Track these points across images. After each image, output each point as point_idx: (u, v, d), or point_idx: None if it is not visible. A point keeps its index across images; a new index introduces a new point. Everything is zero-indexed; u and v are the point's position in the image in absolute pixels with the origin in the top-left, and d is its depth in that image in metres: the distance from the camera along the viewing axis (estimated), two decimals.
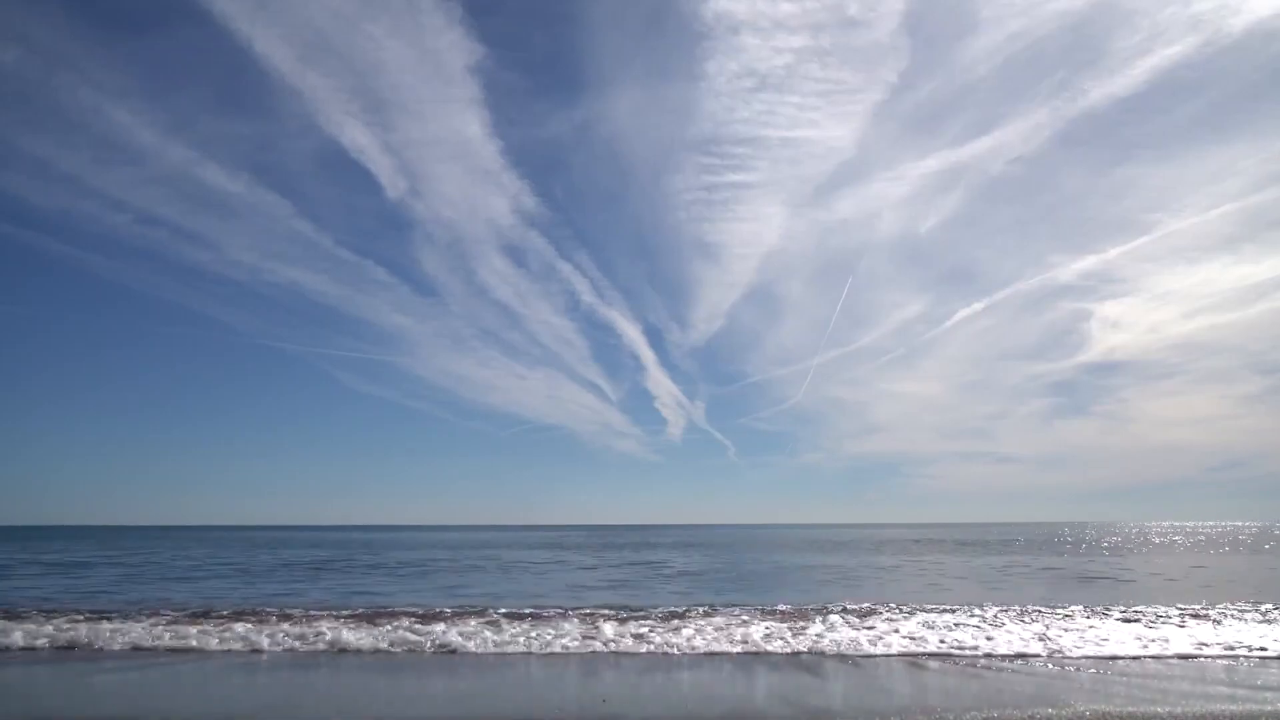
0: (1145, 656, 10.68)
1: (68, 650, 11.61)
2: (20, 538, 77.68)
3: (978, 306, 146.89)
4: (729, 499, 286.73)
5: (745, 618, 13.74)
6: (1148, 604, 15.70)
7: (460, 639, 11.92)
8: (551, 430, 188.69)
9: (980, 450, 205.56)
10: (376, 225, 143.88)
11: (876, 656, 10.93)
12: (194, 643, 11.86)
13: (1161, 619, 13.66)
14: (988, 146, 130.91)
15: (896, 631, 12.39)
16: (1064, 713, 7.21)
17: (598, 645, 11.63)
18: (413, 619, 13.73)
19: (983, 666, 10.07)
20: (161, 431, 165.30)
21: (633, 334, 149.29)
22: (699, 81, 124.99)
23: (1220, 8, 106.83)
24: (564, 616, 13.97)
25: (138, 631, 12.58)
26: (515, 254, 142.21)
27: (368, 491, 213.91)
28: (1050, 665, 10.15)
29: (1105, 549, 43.66)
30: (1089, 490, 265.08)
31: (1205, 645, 11.29)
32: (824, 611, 14.45)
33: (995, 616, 13.78)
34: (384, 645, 11.68)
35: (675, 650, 11.28)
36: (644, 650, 11.32)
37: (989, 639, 11.75)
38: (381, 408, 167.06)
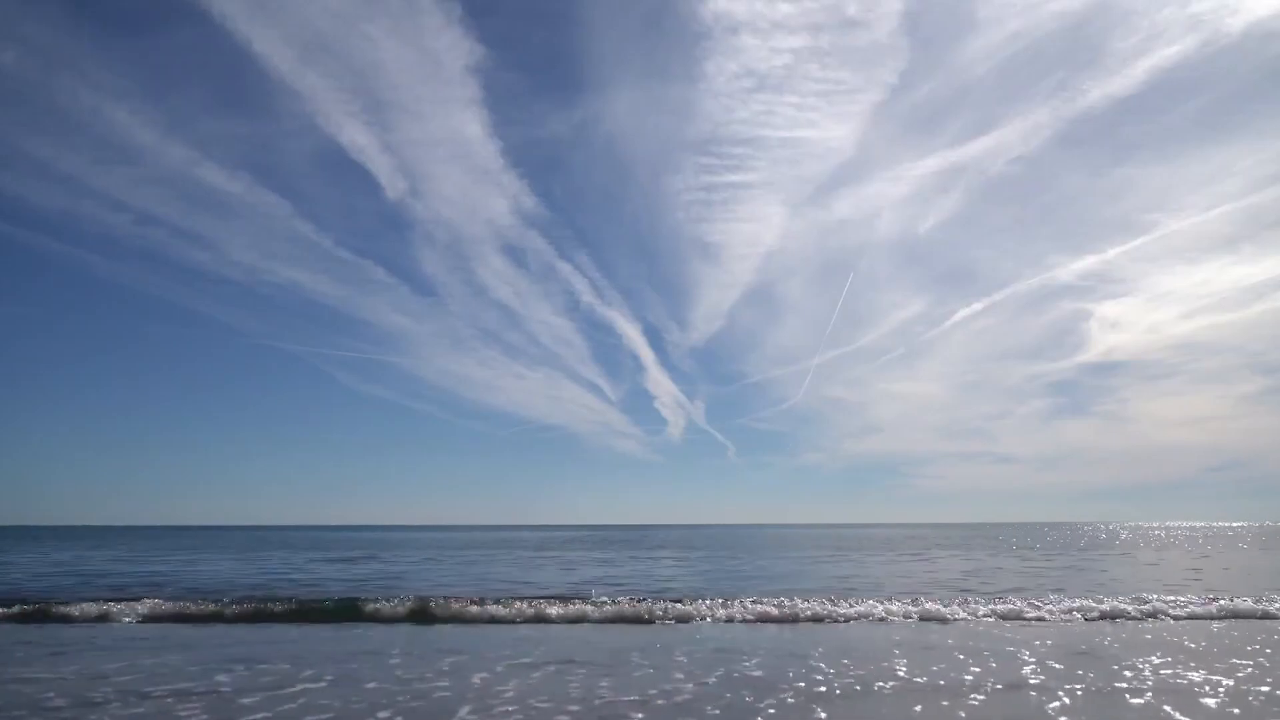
0: None
1: None
2: (16, 537, 77.67)
3: (977, 306, 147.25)
4: (729, 499, 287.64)
5: None
6: None
7: None
8: (551, 430, 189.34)
9: (980, 450, 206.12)
10: (376, 225, 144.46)
11: None
12: None
13: None
14: (987, 146, 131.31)
15: None
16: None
17: None
18: None
19: None
20: (161, 431, 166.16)
21: (633, 334, 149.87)
22: (698, 82, 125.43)
23: (1218, 8, 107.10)
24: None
25: None
26: (515, 254, 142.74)
27: (367, 492, 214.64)
28: None
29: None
30: (1089, 490, 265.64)
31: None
32: None
33: None
34: None
35: None
36: None
37: None
38: (381, 408, 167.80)
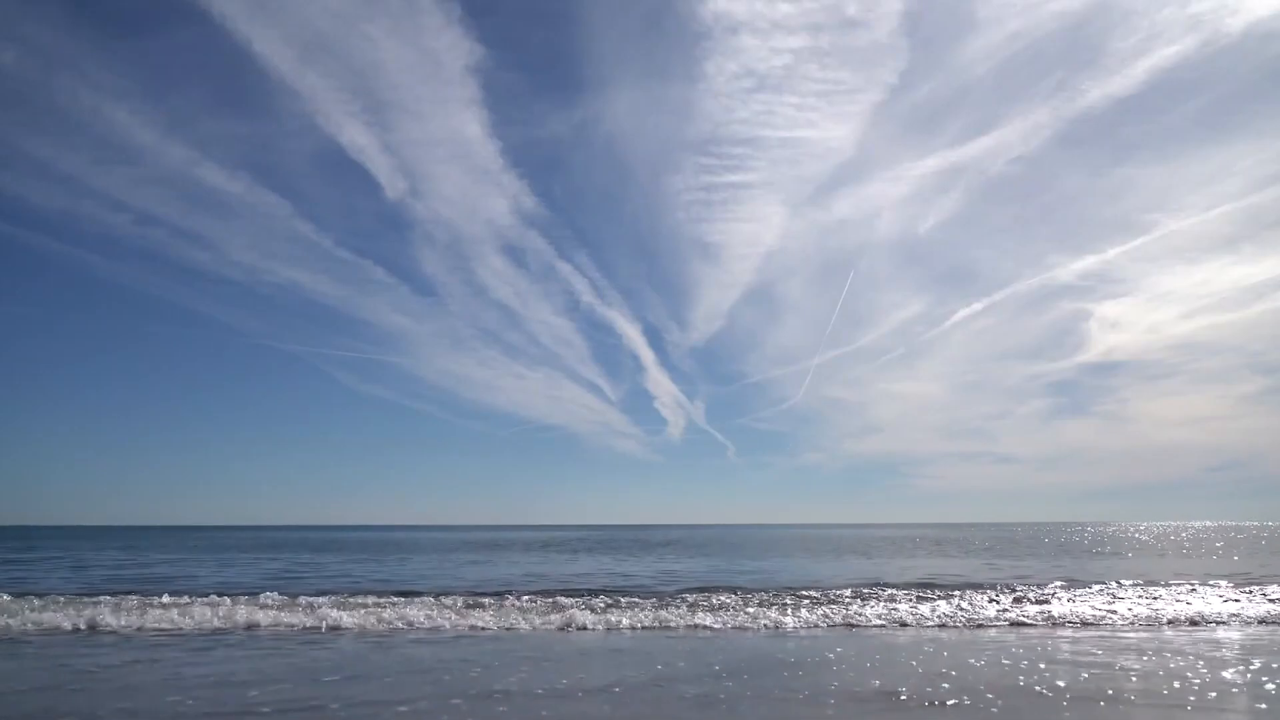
0: None
1: None
2: (16, 537, 77.57)
3: (977, 306, 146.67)
4: (729, 499, 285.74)
5: None
6: None
7: None
8: (551, 430, 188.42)
9: (980, 450, 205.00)
10: (376, 225, 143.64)
11: None
12: None
13: None
14: (987, 146, 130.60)
15: None
16: None
17: None
18: None
19: None
20: (161, 431, 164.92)
21: (633, 334, 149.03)
22: (698, 82, 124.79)
23: (1218, 8, 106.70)
24: None
25: None
26: (515, 254, 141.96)
27: (367, 492, 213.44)
28: None
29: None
30: (1088, 490, 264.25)
31: None
32: None
33: None
34: None
35: None
36: None
37: None
38: (381, 408, 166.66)
